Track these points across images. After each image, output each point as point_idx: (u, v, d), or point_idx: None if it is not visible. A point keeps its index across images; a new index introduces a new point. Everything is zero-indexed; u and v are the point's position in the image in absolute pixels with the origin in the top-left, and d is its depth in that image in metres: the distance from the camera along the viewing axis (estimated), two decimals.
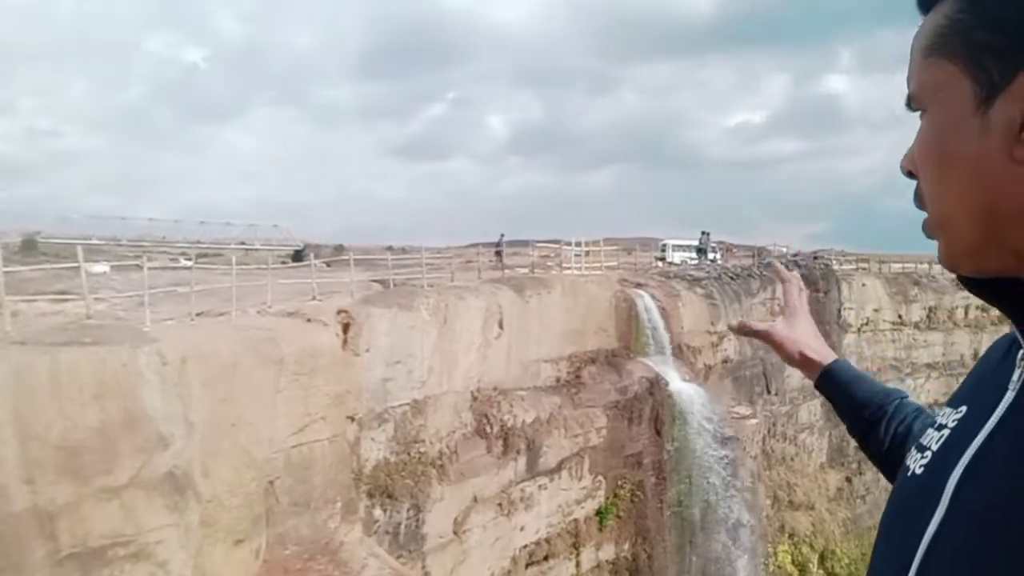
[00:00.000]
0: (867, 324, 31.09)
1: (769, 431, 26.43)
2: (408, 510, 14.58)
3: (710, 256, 34.18)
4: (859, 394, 1.55)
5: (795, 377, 26.39)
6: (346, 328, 13.60)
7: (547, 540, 18.32)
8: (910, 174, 0.99)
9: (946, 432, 0.99)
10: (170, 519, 9.18)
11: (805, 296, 1.78)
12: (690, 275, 26.18)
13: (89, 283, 11.97)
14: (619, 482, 20.20)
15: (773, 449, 26.49)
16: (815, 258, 33.70)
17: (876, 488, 29.04)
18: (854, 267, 35.11)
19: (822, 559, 26.74)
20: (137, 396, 9.01)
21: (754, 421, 23.86)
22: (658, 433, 20.94)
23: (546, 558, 18.22)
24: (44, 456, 8.10)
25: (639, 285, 23.25)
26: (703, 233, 35.31)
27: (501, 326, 17.44)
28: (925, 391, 33.18)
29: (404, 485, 14.50)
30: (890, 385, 1.61)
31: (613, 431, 19.79)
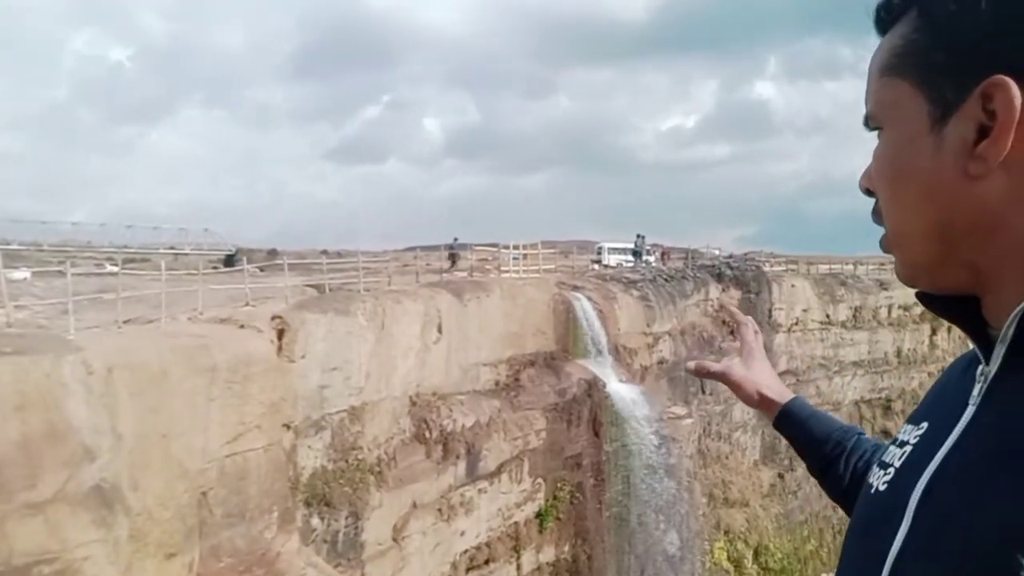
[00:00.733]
0: (797, 324, 31.92)
1: (704, 430, 26.91)
2: (346, 518, 14.38)
3: (645, 259, 34.68)
4: (817, 431, 1.56)
5: None
6: (281, 334, 13.34)
7: (487, 544, 18.28)
8: (868, 192, 1.00)
9: (908, 448, 1.00)
10: (97, 534, 8.85)
11: (760, 338, 1.80)
12: (626, 277, 26.48)
13: (9, 290, 11.52)
14: (558, 484, 20.30)
15: (708, 448, 26.99)
16: (746, 260, 34.49)
17: (807, 484, 29.81)
18: (784, 269, 36.01)
19: (756, 554, 27.35)
20: (61, 407, 8.67)
21: (689, 421, 24.26)
22: (596, 434, 21.12)
23: (487, 562, 18.19)
24: None
25: (577, 288, 23.42)
26: (638, 236, 35.82)
27: (440, 330, 17.35)
28: (852, 388, 34.23)
29: (342, 493, 14.29)
30: (845, 421, 1.62)
31: (552, 433, 19.88)
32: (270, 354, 12.84)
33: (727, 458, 27.98)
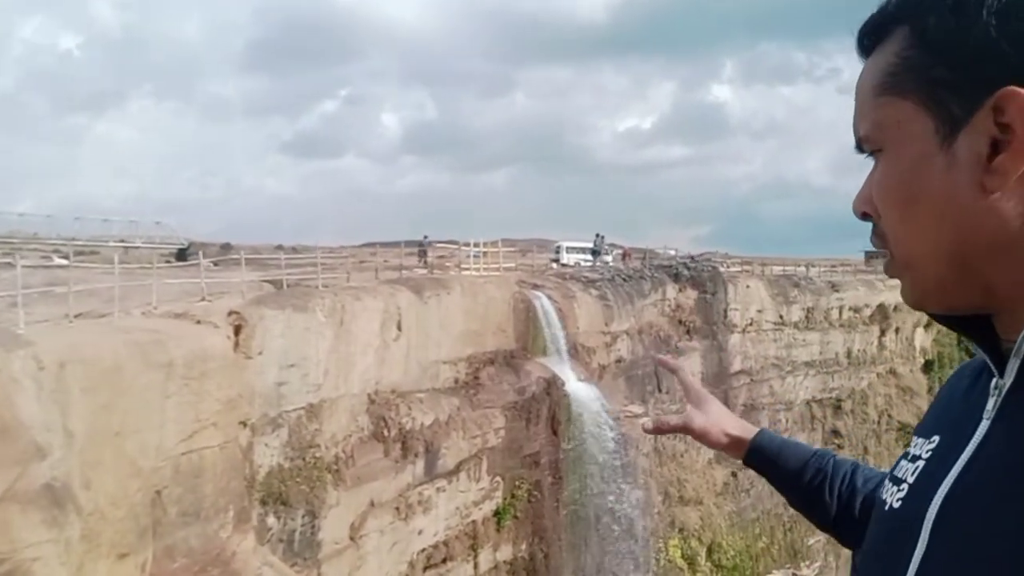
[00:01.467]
0: (751, 324, 32.38)
1: None
2: (303, 517, 14.20)
3: (603, 258, 34.92)
4: (792, 463, 1.54)
5: None
6: (238, 330, 13.12)
7: (445, 543, 18.22)
8: (865, 215, 0.97)
9: (920, 463, 0.98)
10: (48, 534, 8.61)
11: (698, 378, 1.78)
12: (585, 276, 26.63)
13: None
14: (517, 482, 20.31)
15: (664, 446, 27.21)
16: (703, 260, 34.90)
17: (759, 482, 30.13)
18: (739, 269, 36.55)
19: (710, 552, 27.70)
20: (11, 403, 8.41)
21: (646, 419, 24.43)
22: (555, 433, 21.19)
23: (444, 561, 18.12)
24: None
25: (536, 286, 23.47)
26: (597, 236, 36.06)
27: (399, 327, 17.23)
28: (804, 388, 34.86)
29: (299, 491, 14.11)
30: (813, 446, 1.61)
31: (511, 431, 19.89)
32: (227, 350, 12.62)
33: (682, 456, 28.27)
